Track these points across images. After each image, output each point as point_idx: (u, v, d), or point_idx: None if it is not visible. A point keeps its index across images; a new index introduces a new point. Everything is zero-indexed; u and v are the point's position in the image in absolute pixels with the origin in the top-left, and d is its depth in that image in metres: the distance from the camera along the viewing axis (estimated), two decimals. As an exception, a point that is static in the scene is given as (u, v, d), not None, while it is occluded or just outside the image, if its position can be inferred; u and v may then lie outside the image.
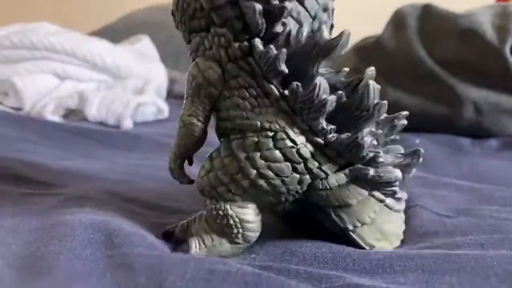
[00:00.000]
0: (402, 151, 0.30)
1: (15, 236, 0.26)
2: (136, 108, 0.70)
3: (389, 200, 0.29)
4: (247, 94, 0.26)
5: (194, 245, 0.27)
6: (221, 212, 0.27)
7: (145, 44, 0.91)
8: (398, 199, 0.30)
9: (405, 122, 0.30)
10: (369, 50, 0.75)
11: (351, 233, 0.28)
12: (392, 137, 0.31)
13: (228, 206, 0.27)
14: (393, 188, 0.28)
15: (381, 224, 0.29)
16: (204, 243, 0.27)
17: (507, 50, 0.63)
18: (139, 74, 0.80)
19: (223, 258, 0.26)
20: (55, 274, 0.22)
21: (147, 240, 0.26)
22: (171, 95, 0.88)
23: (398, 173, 0.28)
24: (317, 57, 0.25)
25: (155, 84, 0.80)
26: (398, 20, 0.73)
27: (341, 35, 0.25)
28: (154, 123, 0.71)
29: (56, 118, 0.68)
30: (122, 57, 0.79)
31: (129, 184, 0.39)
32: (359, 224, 0.28)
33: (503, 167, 0.48)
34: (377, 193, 0.28)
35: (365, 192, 0.28)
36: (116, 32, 1.06)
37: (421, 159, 0.30)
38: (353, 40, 0.79)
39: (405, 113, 0.31)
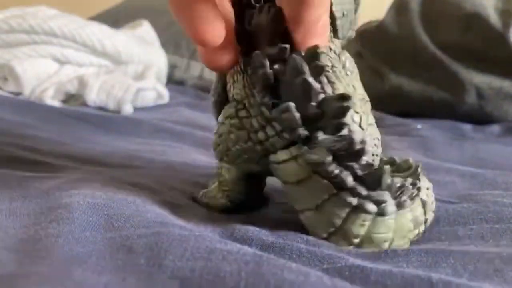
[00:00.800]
0: (378, 136, 0.28)
1: (14, 219, 0.26)
2: (136, 93, 0.70)
3: (345, 194, 0.25)
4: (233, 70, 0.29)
5: (200, 194, 0.32)
6: (217, 170, 0.30)
7: (145, 30, 0.91)
8: (357, 195, 0.25)
9: None
10: (371, 35, 0.74)
11: (299, 214, 0.26)
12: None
13: (220, 165, 0.30)
14: (326, 169, 0.24)
15: (331, 216, 0.25)
16: (207, 196, 0.31)
17: (511, 35, 0.62)
18: (139, 59, 0.80)
19: (224, 238, 0.26)
20: (53, 257, 0.22)
21: (147, 219, 0.26)
22: (171, 81, 0.87)
23: (327, 156, 0.24)
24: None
25: (155, 70, 0.80)
26: (400, 4, 0.73)
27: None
28: (154, 108, 0.71)
29: (56, 103, 0.67)
30: (122, 42, 0.79)
31: (129, 169, 0.39)
32: (304, 207, 0.26)
33: (506, 152, 0.48)
34: (321, 179, 0.25)
35: (305, 172, 0.25)
36: (116, 17, 1.06)
37: (356, 146, 0.25)
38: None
39: None
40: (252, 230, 0.27)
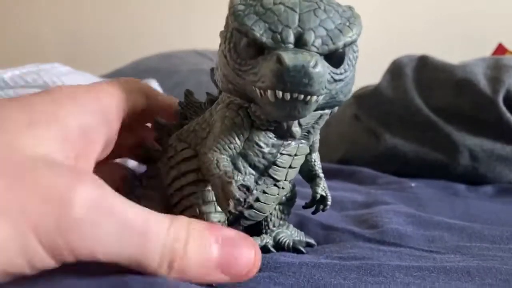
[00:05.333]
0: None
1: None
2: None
3: None
4: None
5: None
6: None
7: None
8: None
9: None
10: (368, 98, 0.78)
11: None
12: None
13: None
14: None
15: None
16: None
17: (500, 100, 0.65)
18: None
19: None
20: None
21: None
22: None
23: None
24: None
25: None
26: (395, 70, 0.76)
27: None
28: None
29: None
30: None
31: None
32: None
33: (496, 209, 0.49)
34: None
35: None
36: (125, 76, 1.10)
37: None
38: (354, 88, 0.82)
39: None
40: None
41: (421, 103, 0.71)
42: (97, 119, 0.27)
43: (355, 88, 0.82)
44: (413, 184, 0.59)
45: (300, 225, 0.40)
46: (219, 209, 0.28)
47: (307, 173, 0.33)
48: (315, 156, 0.33)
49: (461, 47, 1.27)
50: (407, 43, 1.29)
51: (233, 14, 0.26)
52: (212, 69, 0.31)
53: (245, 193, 0.25)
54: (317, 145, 0.32)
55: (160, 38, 1.52)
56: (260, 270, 0.29)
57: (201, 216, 0.29)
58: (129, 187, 0.33)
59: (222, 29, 0.28)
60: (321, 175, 0.33)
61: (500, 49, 0.92)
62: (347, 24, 0.26)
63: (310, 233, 0.39)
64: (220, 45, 0.28)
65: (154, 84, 0.96)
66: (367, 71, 0.98)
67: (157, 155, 0.33)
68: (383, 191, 0.55)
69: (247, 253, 0.25)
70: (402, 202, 0.50)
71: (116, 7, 1.61)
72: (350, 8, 0.27)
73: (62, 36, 1.61)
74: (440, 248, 0.36)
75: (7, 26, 1.60)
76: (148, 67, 1.18)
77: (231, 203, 0.25)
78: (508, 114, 0.65)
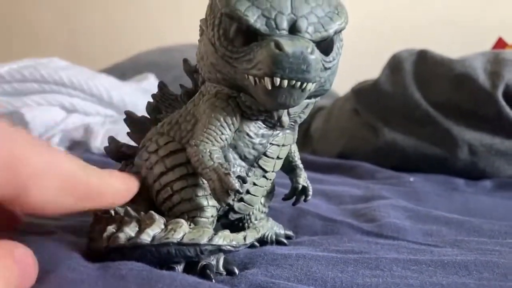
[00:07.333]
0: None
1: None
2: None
3: None
4: None
5: None
6: None
7: (151, 83, 0.94)
8: None
9: None
10: (367, 93, 0.77)
11: None
12: None
13: None
14: None
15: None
16: None
17: (499, 95, 0.65)
18: (144, 111, 0.82)
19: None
20: (46, 283, 0.23)
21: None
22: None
23: None
24: None
25: (158, 120, 0.82)
26: (395, 64, 0.76)
27: None
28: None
29: (62, 149, 0.69)
30: (128, 93, 0.82)
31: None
32: None
33: (494, 204, 0.49)
34: None
35: None
36: (124, 70, 1.10)
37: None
38: (352, 82, 0.82)
39: None
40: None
41: (420, 98, 0.71)
42: None
43: (354, 82, 0.82)
44: (412, 179, 0.59)
45: (298, 217, 0.40)
46: (211, 203, 0.28)
47: (287, 165, 0.32)
48: (294, 148, 0.33)
49: (461, 41, 1.26)
50: (407, 37, 1.28)
51: None
52: (185, 60, 0.31)
53: (241, 184, 0.25)
54: (295, 137, 0.31)
55: (160, 32, 1.52)
56: (257, 262, 0.29)
57: (194, 211, 0.28)
58: None
59: (203, 17, 0.28)
60: (301, 166, 0.33)
61: (500, 43, 0.91)
62: (336, 12, 0.26)
63: (309, 225, 0.39)
64: (204, 34, 0.27)
65: (152, 79, 0.96)
66: (365, 64, 0.98)
67: (132, 151, 0.32)
68: (382, 186, 0.55)
69: None
70: (401, 196, 0.50)
71: (116, 1, 1.60)
72: None
73: (62, 30, 1.61)
74: (438, 242, 0.36)
75: (6, 20, 1.59)
76: (147, 61, 1.18)
77: (232, 195, 0.25)
78: (507, 109, 0.65)
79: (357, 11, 1.22)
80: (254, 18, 0.24)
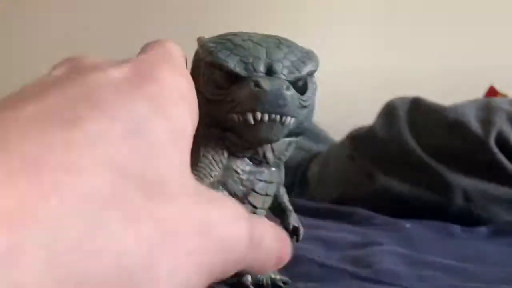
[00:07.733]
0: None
1: None
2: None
3: None
4: None
5: None
6: None
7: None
8: None
9: None
10: (362, 139, 0.79)
11: None
12: None
13: None
14: None
15: None
16: None
17: (492, 141, 0.66)
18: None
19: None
20: None
21: None
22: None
23: None
24: None
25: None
26: (389, 111, 0.78)
27: None
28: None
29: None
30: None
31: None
32: None
33: (491, 250, 0.49)
34: None
35: None
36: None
37: None
38: (348, 129, 0.83)
39: None
40: None
41: (414, 144, 0.72)
42: None
43: (351, 128, 0.83)
44: (408, 225, 0.60)
45: (293, 263, 0.40)
46: None
47: (277, 207, 0.34)
48: (283, 191, 0.34)
49: (453, 89, 1.29)
50: (401, 84, 1.31)
51: (207, 50, 0.29)
52: None
53: None
54: (282, 176, 0.33)
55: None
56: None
57: None
58: None
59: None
60: (290, 207, 0.34)
61: (492, 91, 0.94)
62: (307, 57, 0.29)
63: (306, 271, 0.39)
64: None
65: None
66: (361, 111, 1.00)
67: None
68: (378, 232, 0.55)
69: None
70: (397, 242, 0.50)
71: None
72: (303, 47, 0.30)
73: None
74: (433, 287, 0.36)
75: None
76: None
77: None
78: (500, 155, 0.66)
79: (350, 59, 1.26)
80: (234, 63, 0.27)
